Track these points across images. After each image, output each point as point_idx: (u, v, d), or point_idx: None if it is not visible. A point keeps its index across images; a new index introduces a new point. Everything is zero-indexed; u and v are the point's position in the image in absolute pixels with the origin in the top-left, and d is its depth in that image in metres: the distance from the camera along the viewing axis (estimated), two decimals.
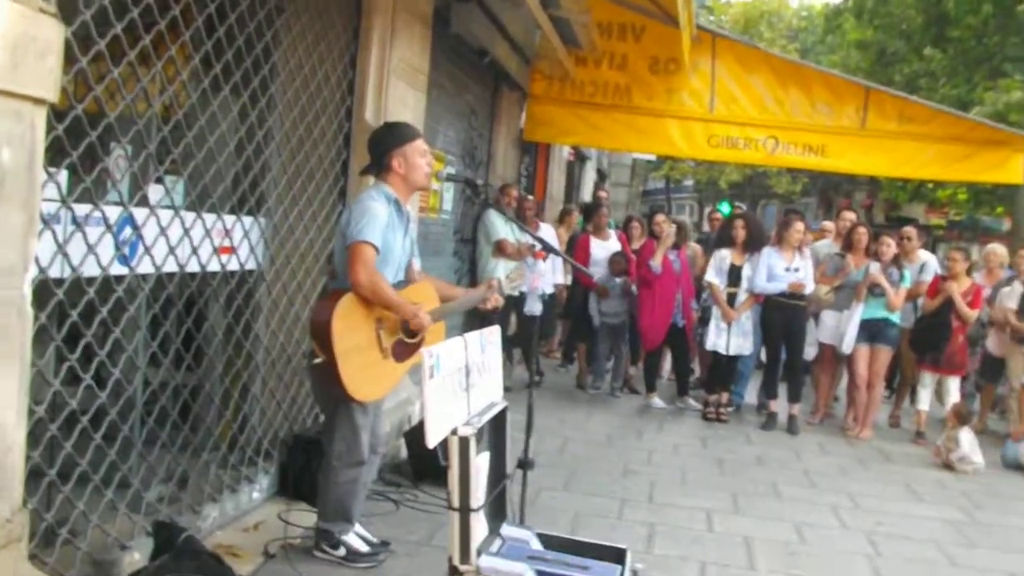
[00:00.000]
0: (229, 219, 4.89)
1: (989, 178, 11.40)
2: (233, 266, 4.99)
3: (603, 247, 10.52)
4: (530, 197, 10.77)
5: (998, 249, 11.10)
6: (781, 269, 9.26)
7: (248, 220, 5.11)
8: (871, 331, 9.28)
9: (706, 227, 12.09)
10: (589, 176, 22.06)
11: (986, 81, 19.18)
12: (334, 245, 4.62)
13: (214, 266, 4.77)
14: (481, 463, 3.27)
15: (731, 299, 9.33)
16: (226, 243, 4.86)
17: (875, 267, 9.29)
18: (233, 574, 3.58)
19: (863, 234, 9.64)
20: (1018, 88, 15.99)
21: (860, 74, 20.99)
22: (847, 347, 9.33)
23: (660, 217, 9.97)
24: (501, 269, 8.90)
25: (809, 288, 9.32)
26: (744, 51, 10.53)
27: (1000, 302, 10.01)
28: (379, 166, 4.56)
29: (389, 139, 4.57)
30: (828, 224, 11.52)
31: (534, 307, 9.61)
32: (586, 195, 20.13)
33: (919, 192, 31.07)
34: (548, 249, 5.32)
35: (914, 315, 9.77)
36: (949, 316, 9.37)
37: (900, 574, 5.50)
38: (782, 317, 9.29)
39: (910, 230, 10.36)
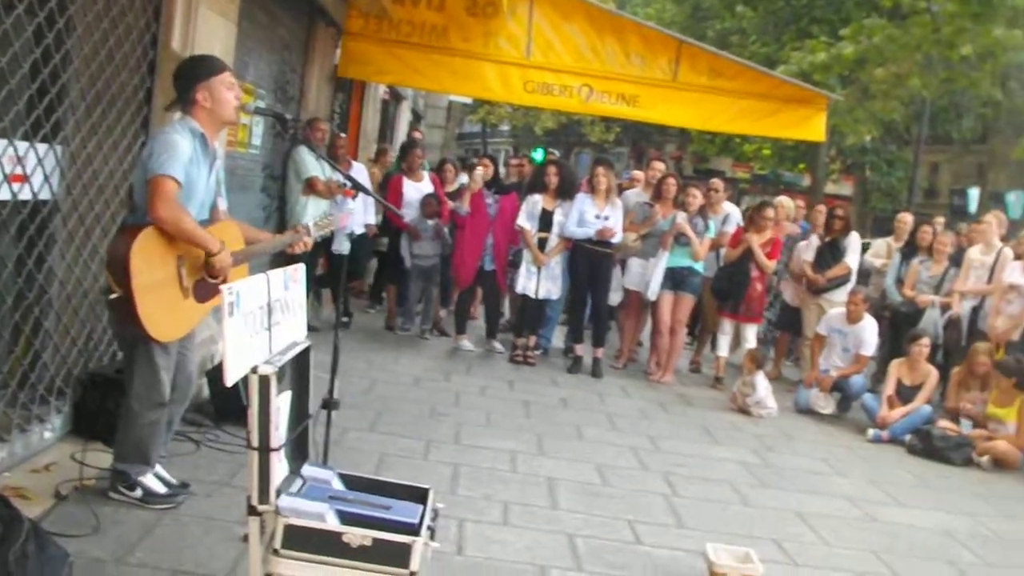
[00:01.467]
0: (22, 145, 4.63)
1: (793, 135, 11.93)
2: (25, 195, 4.73)
3: (416, 188, 10.49)
4: (343, 135, 10.59)
5: (786, 202, 11.73)
6: (592, 216, 9.45)
7: (43, 147, 4.84)
8: (675, 279, 9.63)
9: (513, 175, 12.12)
10: (404, 116, 21.90)
11: (793, 41, 20.00)
12: (134, 178, 4.43)
13: (4, 194, 4.51)
14: (282, 403, 3.22)
15: (542, 244, 9.49)
16: (18, 171, 4.60)
17: (682, 217, 9.62)
18: (21, 517, 3.42)
19: (672, 184, 9.95)
20: (823, 50, 16.73)
21: (675, 27, 21.49)
22: (652, 294, 9.65)
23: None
24: (311, 207, 8.75)
25: (618, 236, 9.57)
26: None
27: (797, 255, 10.57)
28: (184, 100, 4.39)
29: (194, 72, 4.40)
30: (638, 173, 11.83)
31: (342, 246, 9.49)
32: (401, 135, 19.99)
33: (727, 146, 32.29)
34: (359, 188, 5.25)
35: (716, 264, 10.20)
36: (749, 266, 9.82)
37: (695, 513, 5.76)
38: (589, 263, 9.49)
39: (716, 182, 10.76)
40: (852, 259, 10.31)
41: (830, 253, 10.28)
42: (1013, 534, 6.39)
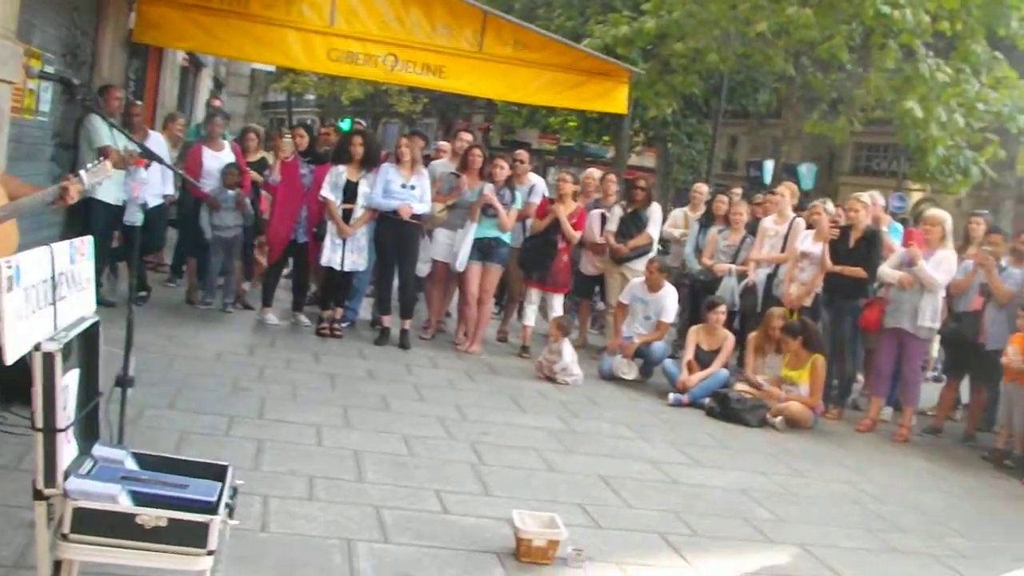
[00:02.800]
0: None
1: (596, 107, 12.18)
2: None
3: (216, 158, 10.19)
4: (138, 103, 10.16)
5: (595, 173, 12.00)
6: (397, 186, 9.39)
7: None
8: (483, 250, 9.71)
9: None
10: (205, 84, 21.21)
11: (597, 15, 20.35)
12: None
13: None
14: (69, 381, 3.08)
15: (347, 215, 9.38)
16: None
17: (489, 188, 9.70)
18: None
19: (478, 155, 10.02)
20: (625, 23, 17.08)
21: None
22: (460, 265, 9.70)
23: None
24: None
25: (426, 207, 9.57)
26: None
27: (590, 225, 10.79)
28: None
29: None
30: (444, 144, 11.85)
31: (134, 217, 9.08)
32: (201, 104, 19.36)
33: (533, 118, 32.68)
34: (153, 158, 5.05)
35: (523, 235, 10.34)
36: (555, 236, 10.00)
37: (502, 481, 5.85)
38: (396, 234, 9.46)
39: (522, 153, 10.86)
40: (654, 229, 10.62)
41: (632, 223, 10.55)
42: (803, 489, 6.79)
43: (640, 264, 10.29)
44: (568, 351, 9.15)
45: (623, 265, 10.47)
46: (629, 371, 9.62)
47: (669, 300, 9.73)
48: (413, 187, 9.46)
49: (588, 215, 10.73)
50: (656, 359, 9.72)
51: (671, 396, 9.00)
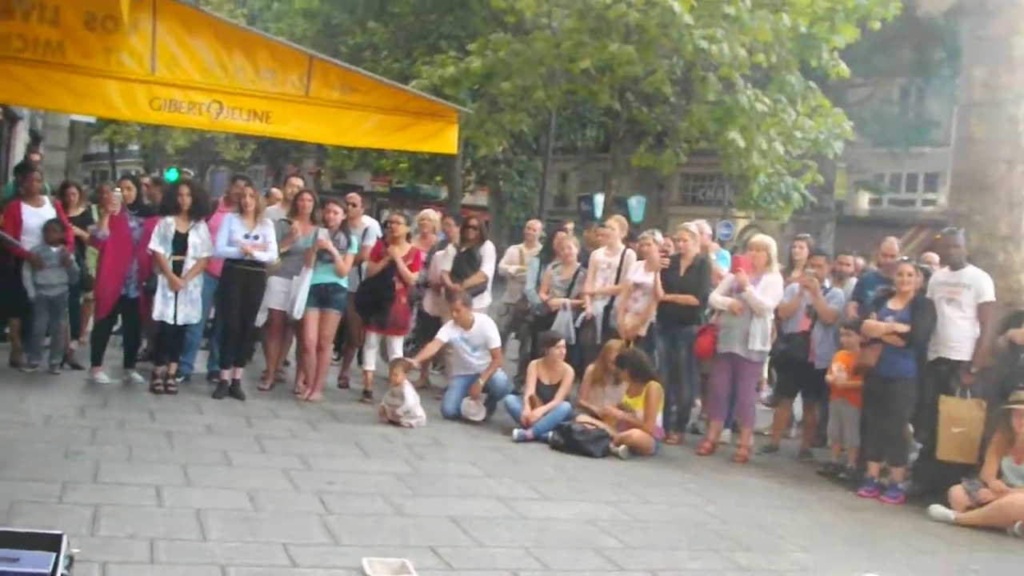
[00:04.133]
0: None
1: (426, 147, 12.21)
2: None
3: (36, 214, 9.83)
4: None
5: (430, 215, 12.10)
6: (241, 236, 9.32)
7: None
8: (320, 296, 9.69)
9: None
10: (21, 138, 20.47)
11: (424, 56, 20.54)
12: None
13: None
14: None
15: (177, 267, 9.19)
16: None
17: (323, 233, 9.68)
18: None
19: (307, 200, 10.01)
20: (452, 64, 17.27)
21: (306, 43, 21.49)
22: (297, 312, 9.63)
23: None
24: None
25: (273, 255, 9.51)
26: (187, 13, 10.24)
27: (435, 265, 10.93)
28: None
29: None
30: (276, 191, 11.75)
31: None
32: (17, 158, 18.64)
33: (364, 160, 32.69)
34: None
35: (359, 279, 10.34)
36: (392, 279, 10.02)
37: (351, 529, 5.81)
38: (243, 283, 9.37)
39: (354, 196, 10.90)
40: (488, 267, 10.78)
41: (467, 262, 10.70)
42: (649, 516, 6.97)
43: (477, 303, 10.41)
44: (410, 393, 9.17)
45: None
46: (478, 412, 9.69)
47: (487, 327, 9.89)
48: (256, 237, 9.38)
49: (435, 256, 10.82)
50: (499, 392, 9.82)
51: (515, 432, 9.10)
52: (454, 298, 9.96)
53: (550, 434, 8.98)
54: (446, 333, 9.86)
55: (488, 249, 10.91)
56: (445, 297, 10.61)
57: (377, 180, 39.99)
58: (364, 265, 10.31)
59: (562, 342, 9.68)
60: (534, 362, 9.82)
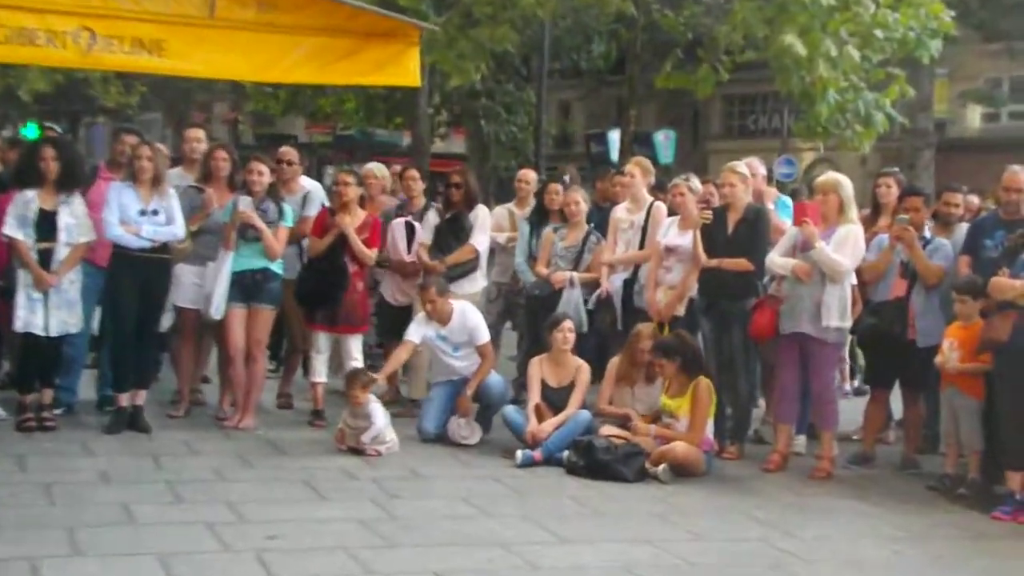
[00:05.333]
0: None
1: (380, 80, 12.21)
2: None
3: None
4: None
5: (375, 170, 11.98)
6: (135, 212, 9.27)
7: None
8: (246, 287, 9.67)
9: None
10: None
11: None
12: None
13: None
14: None
15: (45, 258, 9.07)
16: None
17: (245, 202, 9.63)
18: None
19: (222, 159, 10.02)
20: None
21: None
22: (216, 311, 9.60)
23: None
24: None
25: (179, 234, 9.51)
26: None
27: (392, 238, 10.85)
28: None
29: None
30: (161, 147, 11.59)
31: None
32: None
33: (295, 102, 32.60)
34: None
35: (299, 262, 10.36)
36: (343, 259, 10.01)
37: None
38: (140, 276, 9.34)
39: (288, 152, 10.86)
40: (480, 238, 10.80)
41: (451, 233, 10.71)
42: (704, 557, 6.97)
43: (465, 286, 10.46)
44: (378, 412, 9.15)
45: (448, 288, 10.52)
46: (469, 432, 9.70)
47: (470, 318, 9.90)
48: (156, 212, 9.36)
49: (390, 226, 10.84)
50: (494, 403, 9.85)
51: (519, 454, 9.09)
52: (426, 284, 9.96)
53: (565, 454, 8.97)
54: (417, 331, 9.84)
55: (480, 215, 10.95)
56: (422, 281, 10.56)
57: (316, 127, 39.86)
58: (305, 243, 10.34)
59: (567, 324, 9.69)
60: (536, 359, 9.83)
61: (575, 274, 10.57)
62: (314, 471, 8.49)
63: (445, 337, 9.83)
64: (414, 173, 11.81)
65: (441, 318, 9.75)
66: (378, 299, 11.19)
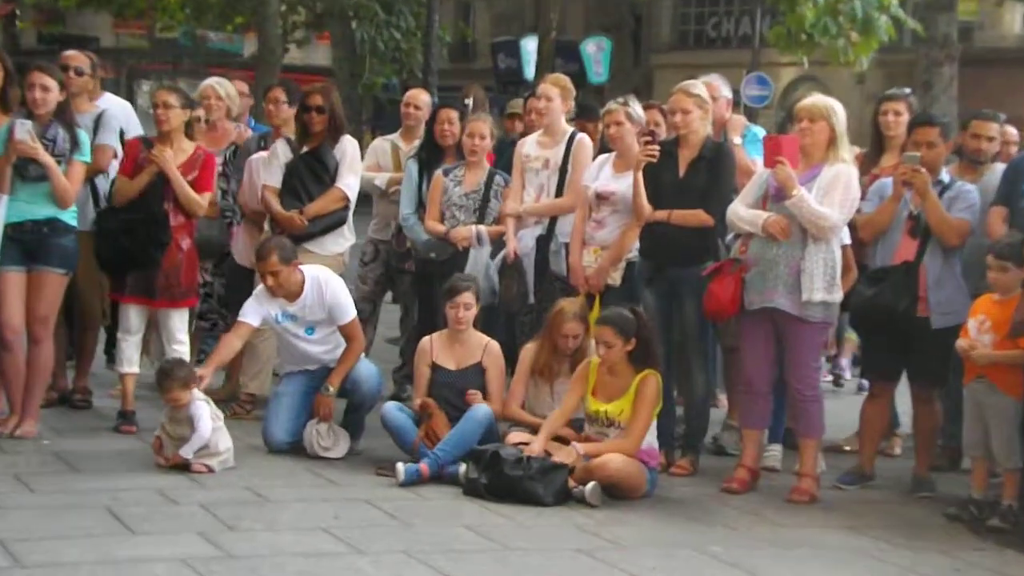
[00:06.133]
0: None
1: None
2: None
3: None
4: None
5: (218, 86, 11.83)
6: None
7: None
8: (26, 244, 9.63)
9: None
10: None
11: None
12: None
13: None
14: None
15: None
16: None
17: (24, 128, 9.34)
18: None
19: None
20: None
21: None
22: None
23: None
24: None
25: None
26: None
27: (248, 176, 10.84)
28: None
29: None
30: None
31: None
32: None
33: None
34: None
35: (95, 208, 10.44)
36: (161, 207, 9.99)
37: None
38: None
39: (75, 55, 10.81)
40: (350, 181, 10.82)
41: (310, 172, 10.69)
42: None
43: (332, 245, 10.56)
44: (204, 414, 9.07)
45: (302, 247, 10.44)
46: (334, 443, 9.69)
47: (329, 289, 9.83)
48: None
49: (248, 164, 10.95)
50: (365, 399, 9.86)
51: (400, 468, 9.03)
52: (264, 248, 9.81)
53: (462, 468, 8.95)
54: (254, 310, 9.81)
55: (349, 150, 10.97)
56: (259, 245, 10.44)
57: (125, 26, 39.48)
58: (101, 182, 10.38)
59: (469, 293, 9.64)
60: (427, 337, 9.80)
61: (483, 227, 10.57)
62: (120, 494, 8.39)
63: (294, 316, 9.78)
64: (279, 93, 11.74)
65: (288, 292, 9.69)
66: (226, 260, 11.15)
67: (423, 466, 9.04)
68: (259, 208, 10.91)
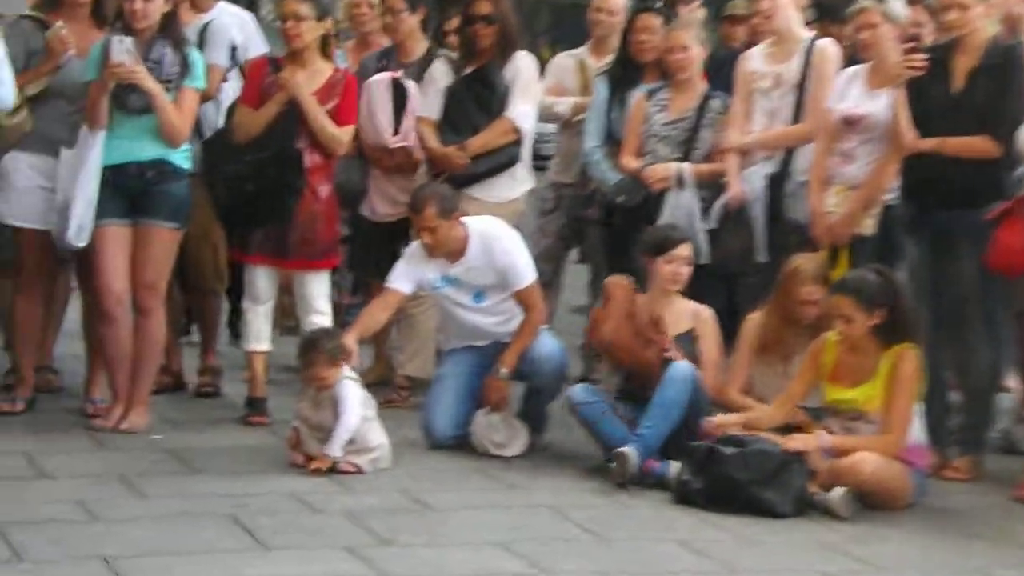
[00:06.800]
0: None
1: None
2: None
3: None
4: None
5: None
6: None
7: None
8: (130, 192, 9.81)
9: None
10: None
11: None
12: None
13: None
14: None
15: None
16: None
17: (123, 46, 9.46)
18: None
19: None
20: None
21: None
22: (78, 233, 9.64)
23: None
24: None
25: (7, 101, 9.51)
26: None
27: (371, 108, 10.89)
28: None
29: None
30: None
31: None
32: None
33: None
34: None
35: (196, 141, 10.45)
36: (293, 148, 10.12)
37: None
38: None
39: None
40: (524, 110, 10.83)
41: (473, 99, 10.75)
42: None
43: (503, 190, 10.61)
44: (351, 398, 9.11)
45: (464, 193, 10.49)
46: (509, 438, 9.70)
47: (500, 246, 9.82)
48: None
49: (365, 87, 10.87)
50: (547, 381, 9.85)
51: (629, 452, 8.95)
52: (420, 197, 9.85)
53: (672, 467, 8.87)
54: (406, 274, 9.86)
55: (524, 69, 10.99)
56: (415, 192, 10.46)
57: None
58: (212, 110, 10.45)
59: (686, 246, 9.60)
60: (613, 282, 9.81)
61: (687, 166, 10.49)
62: (249, 501, 8.46)
63: (457, 280, 9.79)
64: (398, 1, 11.58)
65: (449, 250, 9.70)
66: (352, 212, 11.19)
67: (630, 454, 8.92)
68: (379, 144, 10.92)
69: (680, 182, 10.43)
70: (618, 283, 9.60)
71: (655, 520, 8.52)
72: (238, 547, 7.71)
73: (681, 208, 10.35)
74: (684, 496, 8.73)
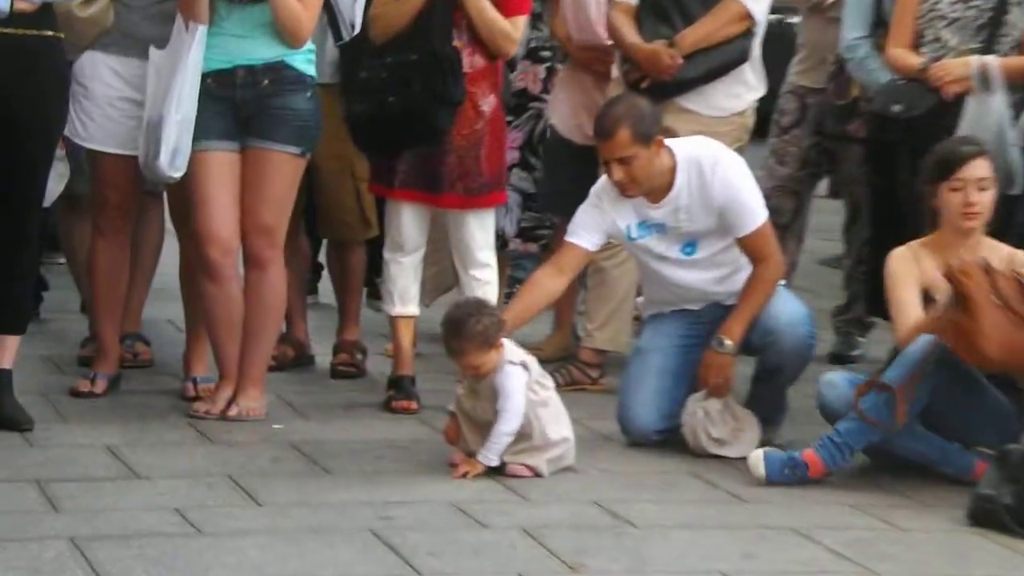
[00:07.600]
0: None
1: None
2: None
3: None
4: None
5: None
6: None
7: None
8: (237, 106, 9.86)
9: None
10: None
11: None
12: None
13: None
14: None
15: None
16: None
17: None
18: None
19: None
20: None
21: None
22: (171, 160, 9.62)
23: None
24: None
25: None
26: None
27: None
28: None
29: None
30: None
31: None
32: None
33: None
34: None
35: (346, 52, 10.52)
36: (449, 43, 10.08)
37: None
38: None
39: None
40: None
41: None
42: None
43: (724, 100, 10.59)
44: (515, 386, 9.06)
45: (674, 104, 10.56)
46: (733, 432, 9.74)
47: (721, 176, 9.72)
48: None
49: None
50: (789, 354, 9.79)
51: (759, 458, 9.04)
52: (608, 117, 9.78)
53: (982, 489, 8.58)
54: (591, 222, 9.85)
55: None
56: (627, 83, 10.53)
57: None
58: (358, 4, 10.38)
59: (981, 161, 9.32)
60: (903, 249, 9.62)
61: (992, 59, 10.43)
62: (393, 511, 8.53)
63: (661, 226, 9.75)
64: None
65: (650, 187, 9.66)
66: (530, 130, 11.24)
67: (810, 455, 8.98)
68: (595, 42, 10.98)
69: (984, 82, 10.24)
70: (964, 271, 8.64)
71: (934, 547, 8.41)
72: (380, 572, 7.82)
73: (987, 119, 10.16)
74: (985, 514, 8.49)
